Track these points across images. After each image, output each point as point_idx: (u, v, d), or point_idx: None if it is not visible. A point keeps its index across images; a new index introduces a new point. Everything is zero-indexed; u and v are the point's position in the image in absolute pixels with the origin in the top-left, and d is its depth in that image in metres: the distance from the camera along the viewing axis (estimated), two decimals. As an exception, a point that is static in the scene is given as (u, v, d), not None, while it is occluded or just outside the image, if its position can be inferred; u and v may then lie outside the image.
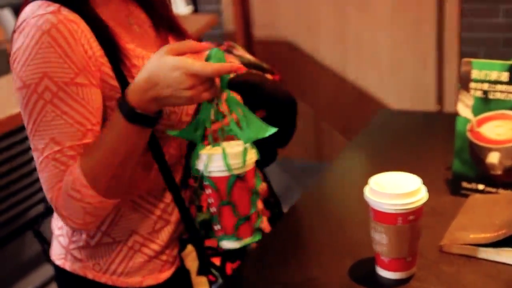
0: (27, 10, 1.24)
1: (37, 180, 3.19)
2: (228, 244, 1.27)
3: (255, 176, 1.26)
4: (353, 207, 1.32)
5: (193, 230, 1.45)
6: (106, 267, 1.42)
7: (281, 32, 3.84)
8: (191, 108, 1.43)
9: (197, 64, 1.13)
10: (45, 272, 3.25)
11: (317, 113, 3.79)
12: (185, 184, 1.48)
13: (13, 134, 3.02)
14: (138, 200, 1.41)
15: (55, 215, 1.48)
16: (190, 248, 1.47)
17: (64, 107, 1.22)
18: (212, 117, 1.23)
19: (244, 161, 1.20)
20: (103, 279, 1.42)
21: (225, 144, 1.23)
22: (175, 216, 1.47)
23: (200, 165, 1.22)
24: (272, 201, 1.62)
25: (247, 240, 1.26)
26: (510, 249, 1.31)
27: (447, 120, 1.71)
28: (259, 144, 1.65)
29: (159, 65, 1.14)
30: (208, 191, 1.24)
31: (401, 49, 3.61)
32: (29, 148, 2.83)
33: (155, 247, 1.44)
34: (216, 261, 1.48)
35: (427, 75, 3.58)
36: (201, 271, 1.47)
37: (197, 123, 1.23)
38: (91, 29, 1.27)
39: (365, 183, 1.30)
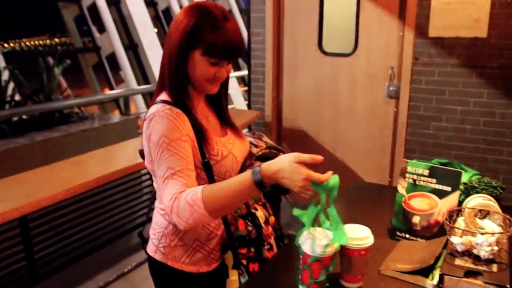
0: (153, 109, 1.31)
1: (144, 201, 3.32)
2: None
3: (332, 259, 1.22)
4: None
5: (232, 241, 1.45)
6: (179, 259, 1.43)
7: (299, 124, 3.83)
8: (237, 168, 1.45)
9: (310, 173, 1.13)
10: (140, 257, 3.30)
11: (316, 174, 3.73)
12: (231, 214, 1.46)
13: (134, 174, 3.11)
14: None
15: (152, 225, 1.50)
16: (229, 252, 1.46)
17: (173, 150, 1.25)
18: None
19: (325, 251, 1.19)
20: (176, 265, 1.43)
21: (318, 233, 1.22)
22: (221, 231, 1.45)
23: (303, 244, 1.22)
24: (277, 227, 1.62)
25: None
26: (421, 276, 1.31)
27: (393, 191, 1.69)
28: (271, 192, 1.62)
29: (290, 167, 1.14)
30: (301, 257, 1.23)
31: (370, 141, 3.58)
32: (141, 182, 2.83)
33: (208, 249, 1.45)
34: (244, 261, 1.47)
35: (385, 160, 3.55)
36: (234, 267, 1.46)
37: (308, 216, 1.20)
38: (189, 121, 1.32)
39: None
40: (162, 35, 14.54)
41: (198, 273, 1.44)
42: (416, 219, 1.56)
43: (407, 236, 1.58)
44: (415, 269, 1.33)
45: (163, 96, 1.35)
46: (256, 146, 1.60)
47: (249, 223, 1.48)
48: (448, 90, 3.19)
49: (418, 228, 1.56)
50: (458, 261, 1.25)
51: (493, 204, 1.44)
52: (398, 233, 1.60)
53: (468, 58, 3.10)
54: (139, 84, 13.24)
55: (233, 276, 1.46)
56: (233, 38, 1.30)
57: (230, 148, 1.44)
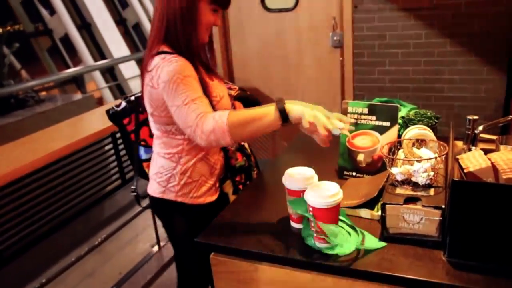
0: (158, 59, 1.37)
1: (114, 167, 3.22)
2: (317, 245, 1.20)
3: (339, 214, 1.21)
4: (280, 185, 1.32)
5: (233, 171, 1.62)
6: (187, 194, 1.53)
7: (251, 82, 3.77)
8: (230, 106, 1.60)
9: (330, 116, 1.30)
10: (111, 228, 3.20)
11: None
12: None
13: (106, 139, 3.03)
14: (204, 158, 1.51)
15: (156, 170, 1.55)
16: (227, 181, 1.62)
17: (188, 84, 1.32)
18: None
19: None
20: (186, 200, 1.53)
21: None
22: (219, 165, 1.57)
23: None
24: (251, 153, 1.75)
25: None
26: (367, 209, 1.33)
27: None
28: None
29: (317, 108, 1.30)
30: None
31: (321, 91, 3.56)
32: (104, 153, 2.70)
33: (211, 182, 1.56)
34: (240, 187, 1.65)
35: (335, 107, 3.51)
36: (234, 192, 1.64)
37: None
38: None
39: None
40: (114, 12, 14.01)
41: (204, 204, 1.55)
42: (360, 157, 1.56)
43: (354, 174, 1.58)
44: (360, 203, 1.33)
45: (164, 49, 1.41)
46: (231, 89, 1.75)
47: (243, 155, 1.66)
48: (389, 34, 3.17)
49: (363, 165, 1.56)
50: (398, 190, 1.24)
51: (428, 133, 1.43)
52: (345, 172, 1.60)
53: (404, 1, 3.06)
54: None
55: None
56: None
57: (222, 89, 1.56)
